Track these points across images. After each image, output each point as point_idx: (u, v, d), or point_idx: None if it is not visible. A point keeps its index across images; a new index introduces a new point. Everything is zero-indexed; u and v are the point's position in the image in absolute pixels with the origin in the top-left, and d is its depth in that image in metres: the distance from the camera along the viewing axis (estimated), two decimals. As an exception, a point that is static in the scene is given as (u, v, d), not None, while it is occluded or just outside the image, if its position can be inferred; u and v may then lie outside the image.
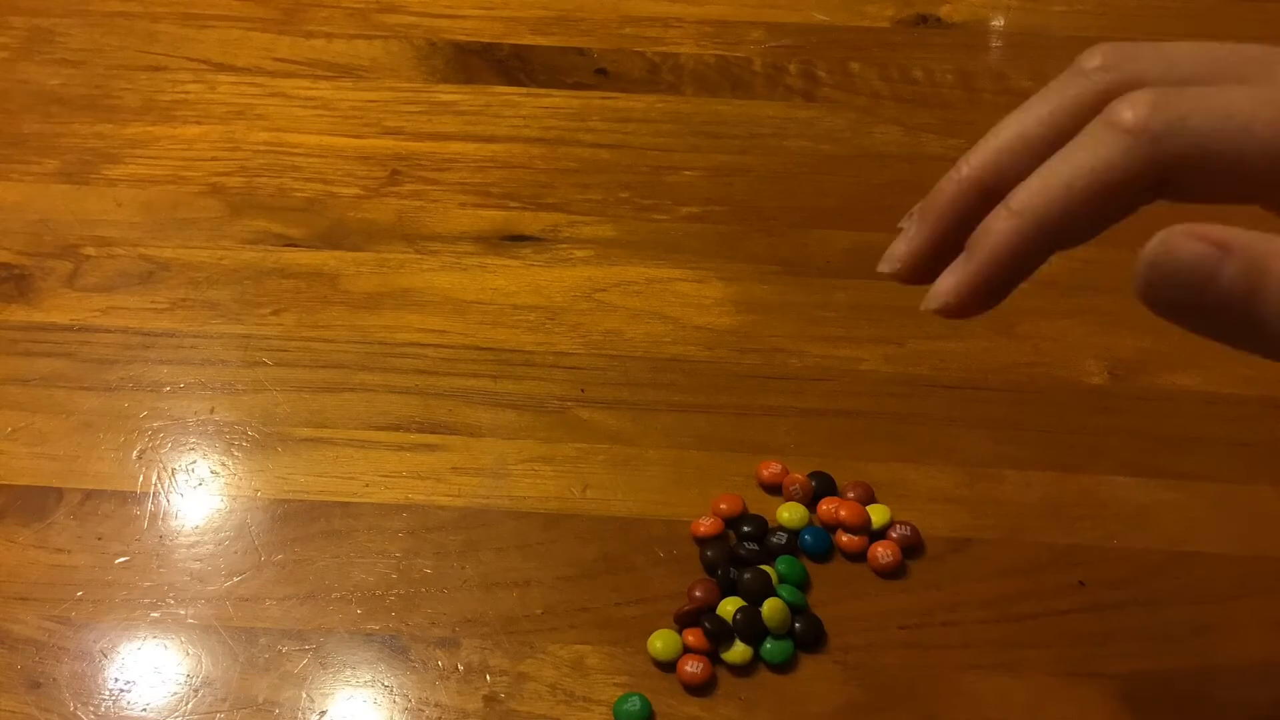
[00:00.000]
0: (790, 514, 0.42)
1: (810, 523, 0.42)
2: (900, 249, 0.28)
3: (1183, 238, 0.23)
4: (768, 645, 0.39)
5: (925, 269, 0.28)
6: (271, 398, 0.47)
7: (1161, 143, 0.24)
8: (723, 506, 0.43)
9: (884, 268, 0.28)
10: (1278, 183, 0.24)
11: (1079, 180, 0.24)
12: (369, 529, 0.43)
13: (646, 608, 0.40)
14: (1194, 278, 0.23)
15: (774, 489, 0.44)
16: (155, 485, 0.44)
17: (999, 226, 0.25)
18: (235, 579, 0.41)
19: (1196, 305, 0.23)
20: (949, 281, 0.27)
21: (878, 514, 0.42)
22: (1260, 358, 0.24)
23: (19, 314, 0.50)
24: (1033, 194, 0.25)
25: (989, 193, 0.26)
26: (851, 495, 0.43)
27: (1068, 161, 0.24)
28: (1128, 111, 0.24)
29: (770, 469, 0.44)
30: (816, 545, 0.42)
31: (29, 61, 0.61)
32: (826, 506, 0.43)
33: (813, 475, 0.44)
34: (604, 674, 0.39)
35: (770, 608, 0.39)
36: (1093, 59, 0.26)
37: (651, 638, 0.39)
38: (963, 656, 0.39)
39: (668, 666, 0.39)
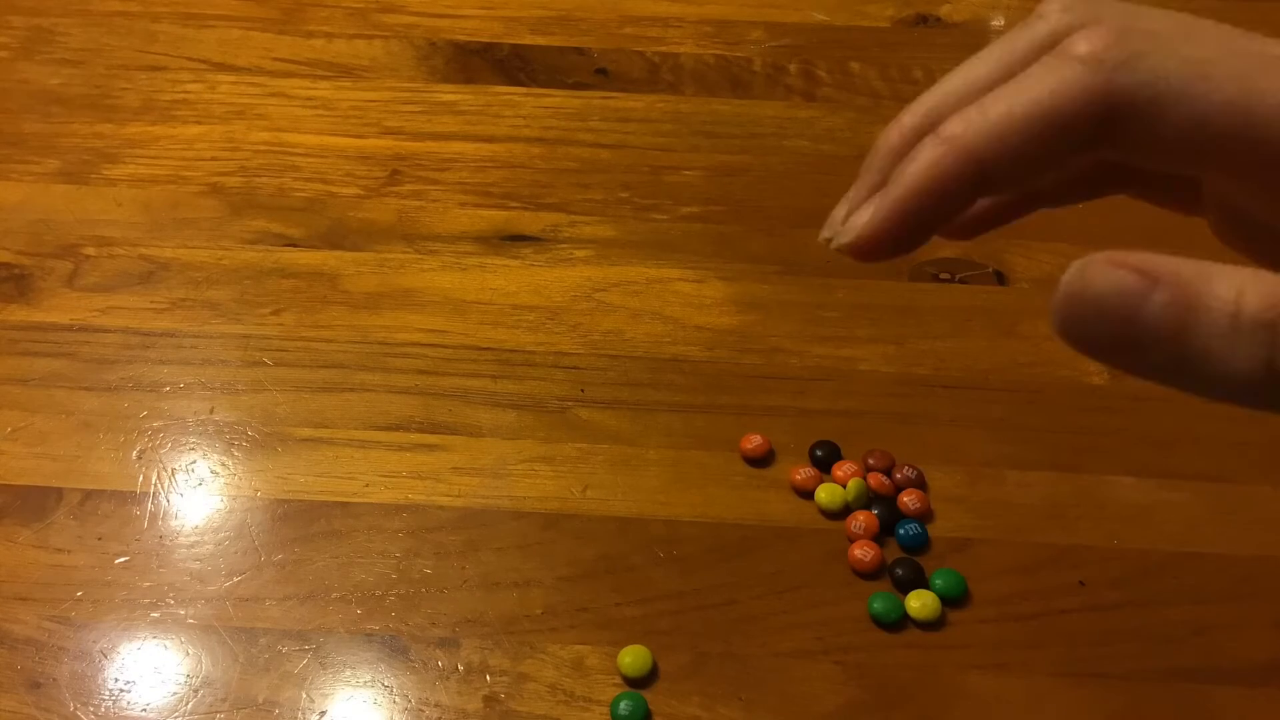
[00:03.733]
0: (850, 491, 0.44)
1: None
2: (839, 211, 0.25)
3: (1104, 265, 0.20)
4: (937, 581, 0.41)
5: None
6: (271, 398, 0.47)
7: (1115, 75, 0.21)
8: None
9: (824, 234, 0.25)
10: (1231, 149, 0.21)
11: (1019, 107, 0.22)
12: (369, 529, 0.43)
13: (646, 608, 0.40)
14: (1117, 310, 0.20)
15: (757, 461, 0.44)
16: (155, 485, 0.44)
17: (923, 154, 0.22)
18: (235, 579, 0.41)
19: (1120, 340, 0.20)
20: (862, 214, 0.24)
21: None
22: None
23: (19, 314, 0.50)
24: (967, 121, 0.22)
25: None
26: (873, 462, 0.45)
27: (1012, 88, 0.22)
28: (1083, 43, 0.22)
29: (752, 442, 0.45)
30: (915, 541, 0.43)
31: (29, 61, 0.61)
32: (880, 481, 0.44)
33: (819, 445, 0.45)
34: (604, 674, 0.39)
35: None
36: (1053, 3, 0.24)
37: (621, 654, 0.39)
38: (963, 656, 0.39)
39: (636, 683, 0.38)
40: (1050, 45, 0.23)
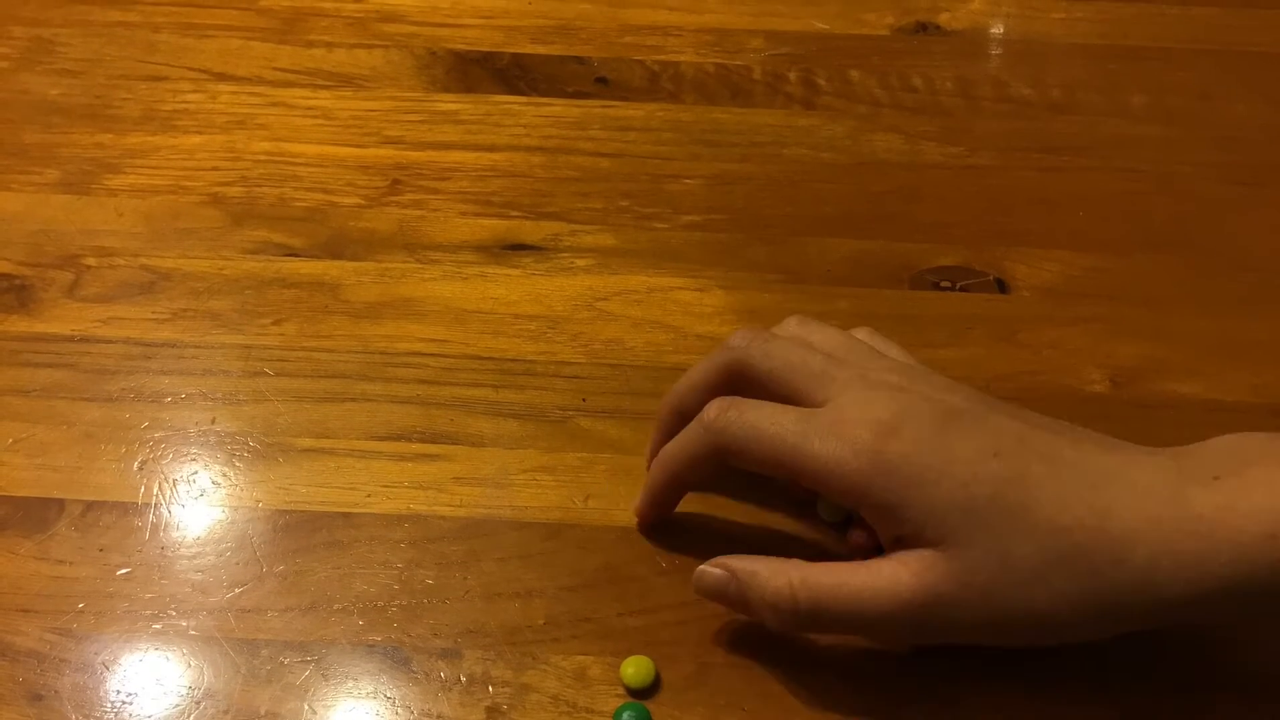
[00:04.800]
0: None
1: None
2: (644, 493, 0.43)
3: (709, 567, 0.38)
4: None
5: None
6: (273, 408, 0.47)
7: (716, 437, 0.38)
8: None
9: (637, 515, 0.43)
10: (780, 471, 0.37)
11: (677, 452, 0.40)
12: (371, 539, 0.43)
13: (649, 618, 0.40)
14: (718, 590, 0.38)
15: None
16: (157, 496, 0.44)
17: (652, 476, 0.41)
18: (237, 590, 0.41)
19: (724, 602, 0.38)
20: (639, 504, 0.42)
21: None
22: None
23: (20, 324, 0.50)
24: (665, 456, 0.40)
25: (685, 416, 0.40)
26: None
27: (678, 439, 0.40)
28: (709, 410, 0.38)
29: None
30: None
31: (30, 72, 0.61)
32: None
33: None
34: (606, 685, 0.39)
35: None
36: (736, 339, 0.40)
37: (624, 664, 0.39)
38: (965, 664, 0.39)
39: (638, 693, 0.38)
40: (729, 371, 0.40)
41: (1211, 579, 0.32)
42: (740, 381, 0.40)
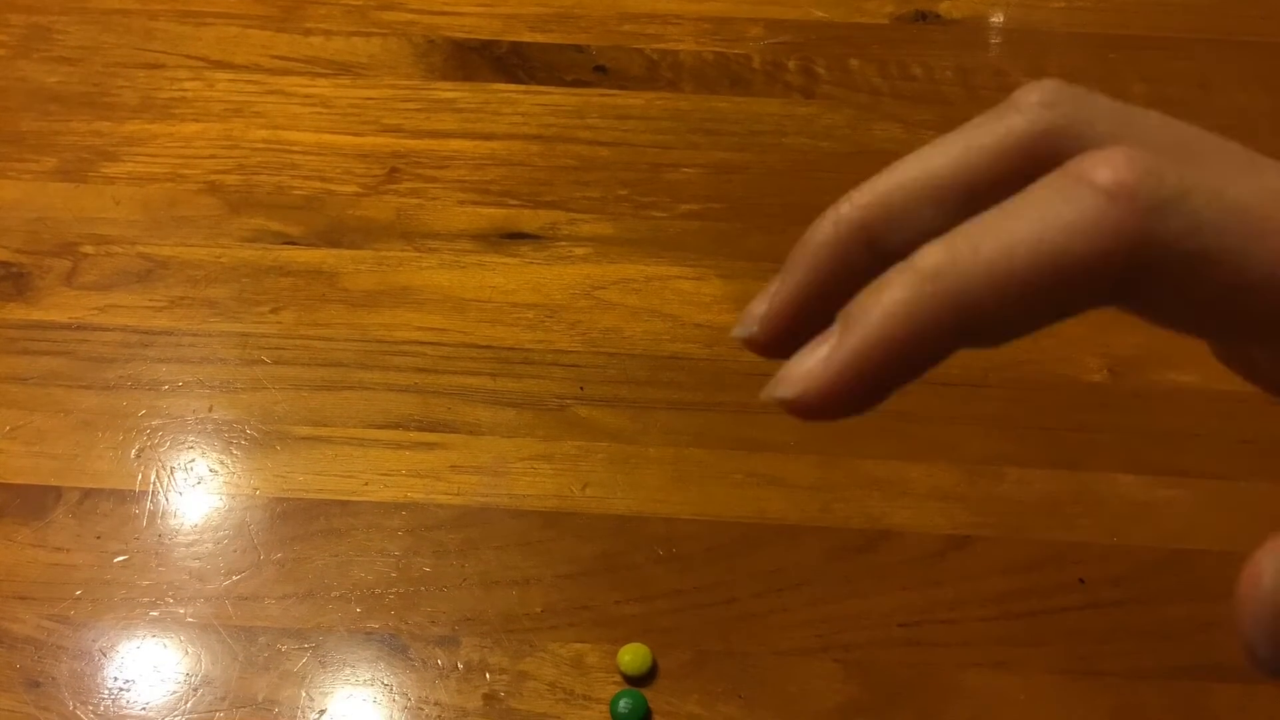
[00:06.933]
0: None
1: None
2: (758, 308, 0.20)
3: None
4: None
5: (789, 336, 0.20)
6: (270, 396, 0.47)
7: (1151, 220, 0.17)
8: None
9: (738, 332, 0.20)
10: (1268, 318, 0.17)
11: (1024, 246, 0.17)
12: (368, 527, 0.43)
13: (647, 606, 0.40)
14: None
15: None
16: (154, 484, 0.44)
17: (894, 294, 0.17)
18: (234, 578, 0.41)
19: None
20: (811, 361, 0.18)
21: None
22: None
23: (17, 312, 0.49)
24: (955, 254, 0.17)
25: (876, 243, 0.19)
26: None
27: (1012, 217, 0.17)
28: (1106, 168, 0.17)
29: None
30: None
31: (27, 59, 0.61)
32: None
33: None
34: (604, 672, 0.39)
35: None
36: (1032, 93, 0.19)
37: (621, 652, 0.39)
38: (963, 654, 0.39)
39: (635, 681, 0.38)
40: (1033, 152, 0.19)
41: None
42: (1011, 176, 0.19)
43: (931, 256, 0.17)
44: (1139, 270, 0.17)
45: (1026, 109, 0.19)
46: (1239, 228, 0.17)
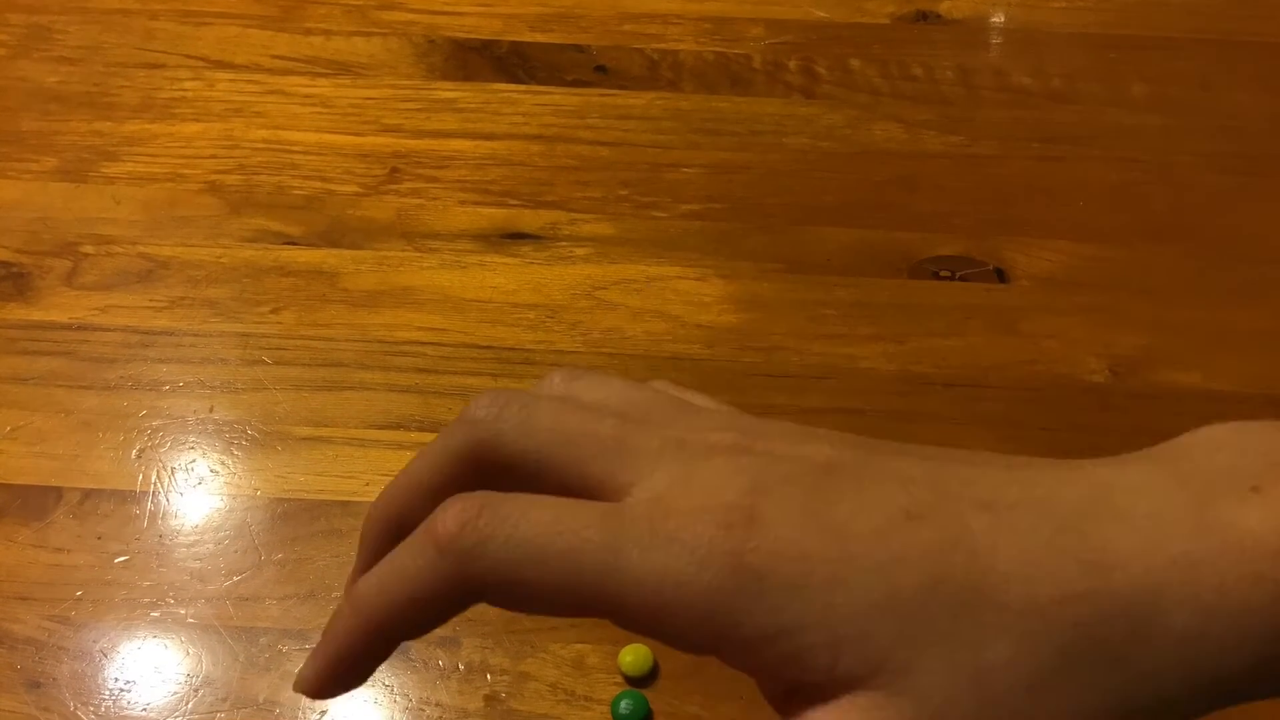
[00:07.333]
0: None
1: None
2: (307, 670, 0.26)
3: None
4: None
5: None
6: (271, 396, 0.47)
7: (465, 562, 0.23)
8: None
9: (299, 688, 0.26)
10: (581, 609, 0.23)
11: (393, 587, 0.24)
12: (369, 528, 0.43)
13: (647, 606, 0.40)
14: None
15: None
16: (155, 484, 0.44)
17: (340, 623, 0.24)
18: (235, 578, 0.41)
19: None
20: (308, 666, 0.25)
21: None
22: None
23: (18, 312, 0.49)
24: (367, 592, 0.24)
25: (401, 529, 0.25)
26: None
27: (391, 565, 0.24)
28: (440, 523, 0.23)
29: None
30: None
31: (27, 59, 0.61)
32: None
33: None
34: (604, 673, 0.39)
35: None
36: (475, 408, 0.25)
37: (622, 652, 0.39)
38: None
39: (636, 682, 0.38)
40: (471, 458, 0.25)
41: None
42: (490, 472, 0.26)
43: (357, 592, 0.24)
44: (474, 593, 0.23)
45: (468, 424, 0.25)
46: (519, 556, 0.22)
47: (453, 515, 0.23)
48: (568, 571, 0.22)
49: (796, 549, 0.22)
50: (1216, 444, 0.24)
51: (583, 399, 0.27)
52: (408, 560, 0.23)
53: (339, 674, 0.25)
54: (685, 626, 0.23)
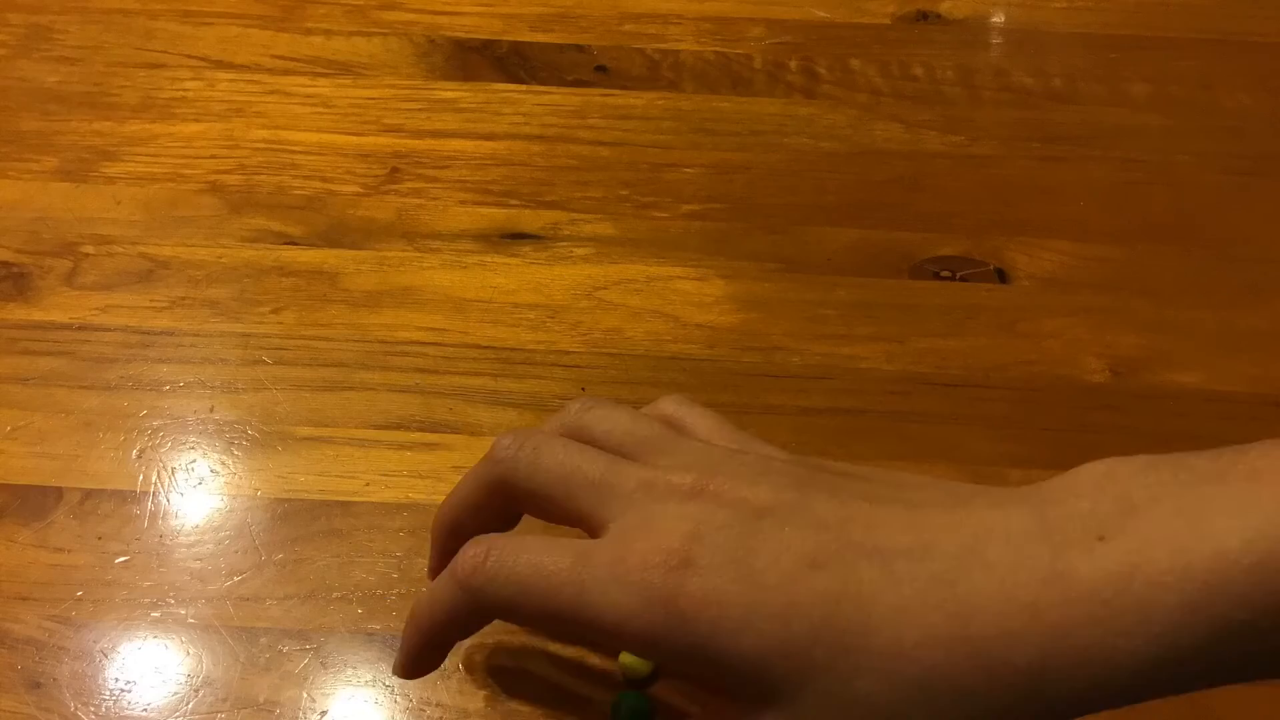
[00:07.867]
0: None
1: None
2: (402, 656, 0.35)
3: None
4: None
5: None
6: (271, 396, 0.47)
7: (478, 596, 0.30)
8: None
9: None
10: (564, 633, 0.34)
11: (435, 609, 0.32)
12: (370, 528, 0.43)
13: (648, 607, 0.40)
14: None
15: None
16: (155, 484, 0.44)
17: (407, 628, 0.34)
18: (236, 578, 0.41)
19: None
20: (397, 657, 0.34)
21: None
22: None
23: (17, 312, 0.49)
24: (420, 610, 0.33)
25: (456, 535, 0.34)
26: None
27: (432, 592, 0.32)
28: (459, 563, 0.31)
29: None
30: None
31: (27, 59, 0.61)
32: None
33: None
34: (604, 673, 0.39)
35: None
36: (501, 446, 0.33)
37: (623, 653, 0.39)
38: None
39: (638, 682, 0.38)
40: (496, 490, 0.33)
41: (1120, 671, 0.25)
42: (511, 502, 0.33)
43: (415, 607, 0.33)
44: (487, 615, 0.32)
45: (491, 463, 0.33)
46: (514, 592, 0.30)
47: (468, 559, 0.30)
48: (547, 605, 0.29)
49: (717, 595, 0.27)
50: (1081, 489, 0.28)
51: (593, 430, 0.33)
52: (440, 591, 0.32)
53: (416, 664, 0.34)
54: (638, 650, 0.32)
